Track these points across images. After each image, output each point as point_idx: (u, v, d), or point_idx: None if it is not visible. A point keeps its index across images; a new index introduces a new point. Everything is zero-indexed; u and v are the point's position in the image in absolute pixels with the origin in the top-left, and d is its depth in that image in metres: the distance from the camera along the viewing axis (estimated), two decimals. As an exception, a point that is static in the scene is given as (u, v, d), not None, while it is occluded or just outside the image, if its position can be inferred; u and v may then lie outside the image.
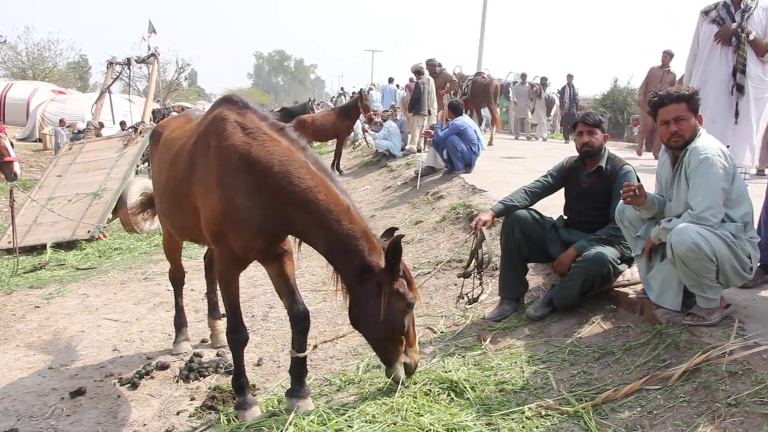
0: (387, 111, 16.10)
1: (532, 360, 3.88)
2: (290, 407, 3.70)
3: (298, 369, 3.83)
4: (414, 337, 3.56)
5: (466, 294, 4.89)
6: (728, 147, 5.16)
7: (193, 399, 4.40)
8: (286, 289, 3.86)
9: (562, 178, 4.74)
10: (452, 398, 3.47)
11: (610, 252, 4.24)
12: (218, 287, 4.30)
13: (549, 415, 3.16)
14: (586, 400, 3.24)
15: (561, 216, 4.83)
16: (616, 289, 4.35)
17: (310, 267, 7.20)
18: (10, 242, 9.36)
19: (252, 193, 3.41)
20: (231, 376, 4.11)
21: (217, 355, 5.07)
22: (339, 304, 3.61)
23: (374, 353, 3.74)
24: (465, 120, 10.35)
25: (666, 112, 3.63)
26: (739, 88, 5.24)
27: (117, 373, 4.90)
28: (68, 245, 9.80)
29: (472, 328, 4.64)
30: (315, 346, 4.87)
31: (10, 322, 6.43)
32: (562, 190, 4.82)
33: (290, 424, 3.27)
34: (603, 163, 4.53)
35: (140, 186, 10.97)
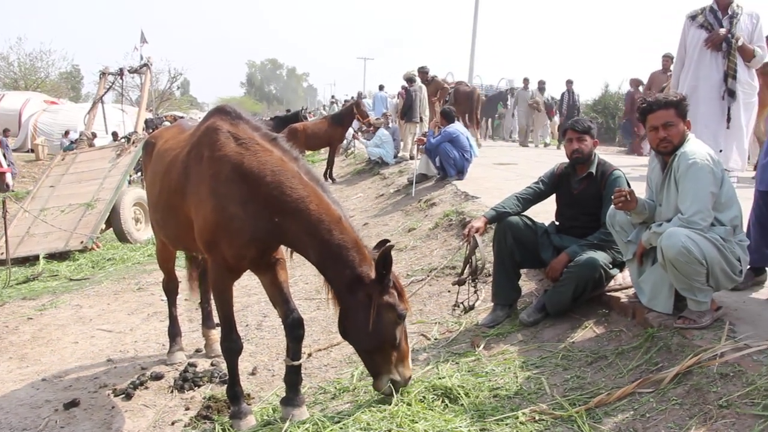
0: (379, 119, 16.15)
1: (525, 365, 3.89)
2: (285, 415, 3.71)
3: (293, 377, 3.83)
4: (406, 352, 3.51)
5: (462, 302, 4.91)
6: (720, 151, 5.23)
7: (188, 409, 4.39)
8: (280, 297, 3.88)
9: (554, 184, 4.78)
10: (447, 405, 3.48)
11: (601, 257, 4.27)
12: (212, 296, 4.30)
13: (542, 420, 3.18)
14: (579, 405, 3.25)
15: (553, 222, 4.87)
16: (608, 293, 4.38)
17: (303, 275, 7.21)
18: (2, 254, 9.34)
19: (245, 202, 3.43)
20: (226, 385, 4.11)
21: (212, 364, 5.07)
22: (333, 313, 3.61)
23: None
24: (457, 127, 10.39)
25: (655, 118, 3.68)
26: (731, 93, 5.30)
27: (111, 384, 4.88)
28: (61, 256, 9.77)
29: (465, 334, 4.66)
30: (309, 355, 4.88)
31: (2, 333, 6.40)
32: (553, 196, 4.86)
33: (285, 432, 3.29)
34: (593, 169, 4.57)
35: (133, 196, 10.96)
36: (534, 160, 13.65)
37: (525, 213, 4.84)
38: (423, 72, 15.26)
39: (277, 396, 4.11)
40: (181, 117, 24.38)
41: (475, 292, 4.86)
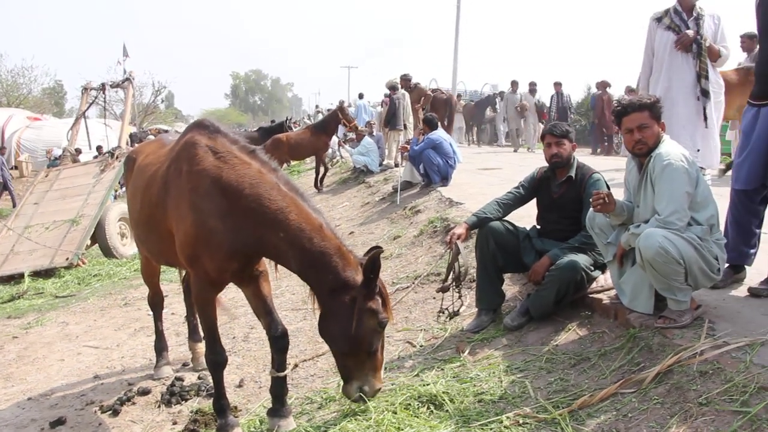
0: (362, 128, 16.18)
1: (509, 369, 3.92)
2: (272, 427, 3.73)
3: (279, 389, 3.85)
4: (380, 364, 3.54)
5: (446, 309, 4.93)
6: (698, 151, 5.29)
7: (175, 423, 4.38)
8: (263, 309, 3.89)
9: (534, 188, 4.82)
10: (432, 411, 3.50)
11: (582, 259, 4.31)
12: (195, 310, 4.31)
13: (527, 423, 3.20)
14: (562, 407, 3.27)
15: (534, 226, 4.91)
16: (590, 295, 4.42)
17: (290, 286, 7.21)
18: (-13, 272, 9.29)
19: (224, 216, 3.44)
20: (213, 398, 4.11)
21: (199, 378, 5.06)
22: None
23: None
24: (440, 134, 10.44)
25: (629, 120, 3.73)
26: (705, 93, 5.37)
27: (98, 401, 4.86)
28: (47, 273, 9.74)
29: (451, 340, 4.68)
30: (296, 365, 4.88)
31: (-13, 353, 6.37)
32: (534, 201, 4.90)
33: (271, 443, 3.31)
34: (573, 173, 4.61)
35: (118, 211, 10.93)
36: (518, 165, 13.71)
37: (507, 218, 4.88)
38: (406, 79, 15.31)
39: (264, 408, 4.12)
40: (166, 131, 24.36)
41: (459, 298, 4.89)
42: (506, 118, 21.76)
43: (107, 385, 5.22)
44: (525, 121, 19.98)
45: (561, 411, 3.21)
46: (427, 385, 3.72)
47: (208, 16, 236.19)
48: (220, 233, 3.45)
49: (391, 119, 13.79)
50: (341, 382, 4.24)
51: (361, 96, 23.55)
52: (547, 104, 19.75)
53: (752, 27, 4.16)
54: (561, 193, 4.66)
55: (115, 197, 12.40)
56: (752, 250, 4.23)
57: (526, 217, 5.12)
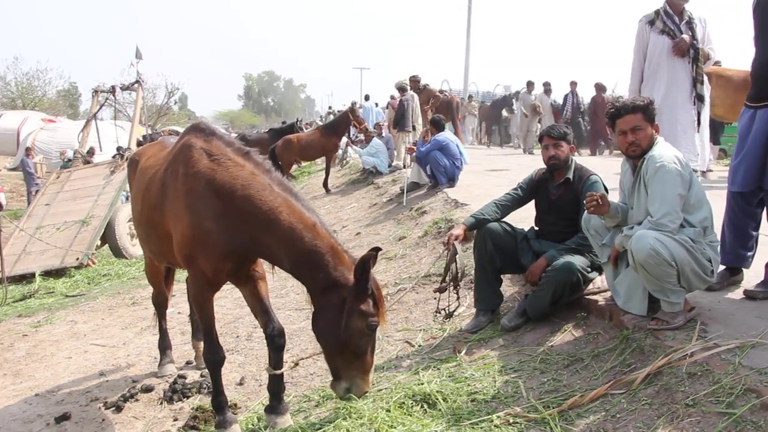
0: (372, 130, 16.24)
1: (504, 369, 3.95)
2: (269, 423, 3.79)
3: (276, 386, 3.91)
4: (369, 366, 3.57)
5: (444, 309, 4.98)
6: (696, 155, 5.30)
7: (176, 419, 4.46)
8: (260, 308, 3.97)
9: (532, 190, 4.85)
10: (425, 410, 3.54)
11: (578, 261, 4.34)
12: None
13: (516, 423, 3.23)
14: (553, 407, 3.30)
15: (532, 227, 4.94)
16: (587, 297, 4.44)
17: (295, 287, 7.24)
18: (0, 272, 9.43)
19: (219, 217, 3.52)
20: (211, 395, 4.18)
21: (201, 375, 5.13)
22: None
23: None
24: (447, 135, 10.48)
25: (623, 122, 3.76)
26: (700, 98, 5.37)
27: (102, 397, 4.95)
28: (57, 273, 9.89)
29: (449, 340, 4.72)
30: (296, 364, 4.96)
31: (-3, 351, 6.49)
32: (533, 202, 4.93)
33: (266, 440, 3.37)
34: (570, 175, 4.64)
35: (128, 212, 11.03)
36: (527, 167, 13.63)
37: (506, 219, 4.92)
38: (415, 81, 15.37)
39: (263, 405, 4.16)
40: (179, 132, 24.48)
41: (457, 299, 4.92)
42: (515, 119, 21.49)
43: (112, 382, 5.30)
44: (540, 123, 19.05)
45: (551, 411, 3.25)
46: (422, 384, 3.76)
47: (221, 19, 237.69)
48: (215, 234, 3.52)
49: (399, 120, 13.84)
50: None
51: (367, 98, 23.53)
52: (561, 104, 19.35)
53: (747, 27, 4.17)
54: (559, 195, 4.69)
55: (127, 198, 12.52)
56: (749, 253, 4.24)
57: (528, 218, 5.15)
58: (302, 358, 5.06)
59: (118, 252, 10.91)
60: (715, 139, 10.32)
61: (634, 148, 3.74)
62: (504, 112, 24.14)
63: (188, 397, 4.78)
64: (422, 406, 3.57)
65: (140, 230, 4.60)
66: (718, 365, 3.07)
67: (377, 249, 3.46)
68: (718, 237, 4.02)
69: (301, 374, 4.84)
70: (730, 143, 11.62)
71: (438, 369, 4.16)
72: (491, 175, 12.32)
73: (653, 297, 3.76)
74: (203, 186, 3.54)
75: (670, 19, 5.22)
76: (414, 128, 13.92)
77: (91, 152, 15.28)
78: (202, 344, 5.27)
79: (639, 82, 5.34)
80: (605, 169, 7.07)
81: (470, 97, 28.53)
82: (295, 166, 20.46)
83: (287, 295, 6.99)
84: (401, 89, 14.07)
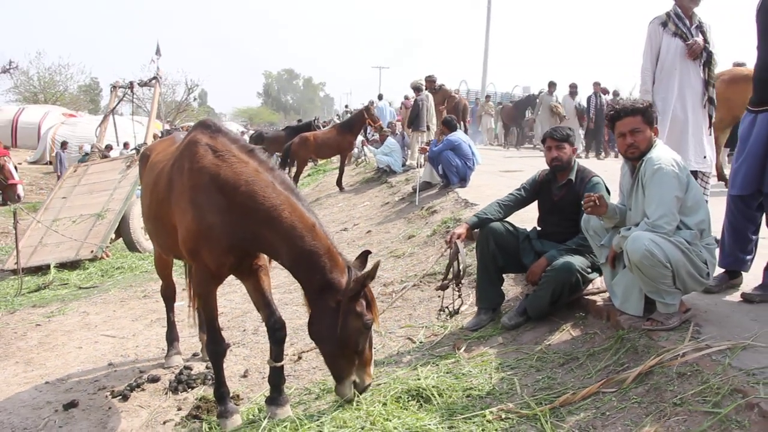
0: (386, 129, 16.30)
1: (501, 367, 4.01)
2: (268, 414, 3.87)
3: (277, 378, 3.99)
4: (369, 359, 3.68)
5: (446, 307, 5.04)
6: (705, 158, 5.31)
7: (180, 409, 4.56)
8: (262, 301, 4.06)
9: (535, 191, 4.91)
10: (421, 405, 3.60)
11: (578, 261, 4.38)
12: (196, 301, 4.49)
13: (509, 418, 3.28)
14: (545, 404, 3.35)
15: (535, 227, 4.98)
16: (586, 297, 4.49)
17: (303, 282, 7.35)
18: (16, 263, 9.61)
19: (222, 212, 3.61)
20: (214, 386, 4.27)
21: (207, 367, 5.22)
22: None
23: None
24: (459, 135, 10.53)
25: (622, 125, 3.80)
26: (711, 101, 5.37)
27: (110, 386, 5.07)
28: (72, 265, 10.05)
29: (449, 338, 4.78)
30: (299, 357, 5.05)
31: (11, 339, 6.64)
32: (536, 203, 4.98)
33: (264, 429, 3.46)
34: (573, 176, 4.69)
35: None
36: (541, 168, 13.66)
37: (509, 219, 4.97)
38: (430, 80, 15.37)
39: (265, 397, 4.25)
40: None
41: (459, 296, 4.98)
42: (538, 121, 20.83)
43: (120, 372, 5.43)
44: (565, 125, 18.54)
45: (543, 408, 3.30)
46: (419, 379, 3.82)
47: (242, 16, 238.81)
48: (218, 228, 3.62)
49: (414, 120, 13.89)
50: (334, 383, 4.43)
51: (380, 97, 23.58)
52: (585, 106, 18.24)
53: (749, 27, 4.19)
54: (561, 196, 4.74)
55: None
56: (748, 256, 4.25)
57: (531, 220, 5.19)
58: (304, 351, 5.14)
59: (131, 246, 11.08)
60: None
61: (632, 150, 3.78)
62: (528, 113, 23.77)
63: (193, 388, 4.89)
64: (418, 401, 3.63)
65: (149, 224, 4.71)
66: (708, 366, 3.11)
67: (369, 253, 3.59)
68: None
69: (303, 367, 4.92)
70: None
71: (436, 365, 4.22)
72: (504, 176, 12.34)
73: (649, 298, 3.79)
74: (208, 181, 3.64)
75: (681, 21, 5.21)
76: (428, 128, 13.96)
77: (108, 148, 15.52)
78: (207, 337, 5.42)
79: (651, 83, 5.32)
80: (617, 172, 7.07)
81: (487, 97, 28.42)
82: (310, 164, 20.63)
83: (296, 291, 7.06)
84: (416, 89, 14.12)
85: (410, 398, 3.64)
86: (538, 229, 4.95)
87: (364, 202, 13.02)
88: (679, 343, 3.41)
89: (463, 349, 4.43)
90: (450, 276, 4.82)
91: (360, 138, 17.38)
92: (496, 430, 3.21)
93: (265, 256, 4.03)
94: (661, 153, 3.72)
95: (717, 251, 4.11)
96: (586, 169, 4.75)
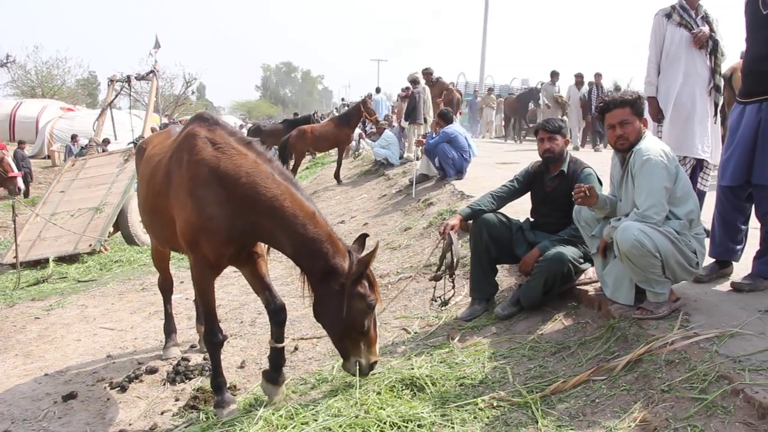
0: (382, 122, 16.33)
1: (494, 356, 4.06)
2: (263, 390, 4.02)
3: (277, 358, 4.09)
4: (374, 339, 3.78)
5: (439, 297, 5.09)
6: (709, 147, 5.31)
7: (177, 400, 4.62)
8: (261, 286, 4.13)
9: (528, 182, 4.95)
10: (415, 393, 3.65)
11: (570, 251, 4.43)
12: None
13: (500, 406, 3.34)
14: (536, 392, 3.41)
15: (528, 218, 5.03)
16: (578, 287, 4.54)
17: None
18: (15, 257, 9.66)
19: (222, 203, 3.66)
20: (210, 377, 4.33)
21: (204, 359, 5.28)
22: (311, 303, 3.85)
23: None
24: (455, 128, 10.55)
25: (612, 116, 3.84)
26: (718, 89, 5.38)
27: (108, 378, 5.12)
28: (70, 258, 10.08)
29: (444, 328, 4.84)
30: (296, 348, 5.10)
31: (10, 332, 6.69)
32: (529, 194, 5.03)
33: (260, 418, 3.50)
34: (565, 167, 4.73)
35: (140, 200, 11.23)
36: (537, 159, 13.70)
37: (502, 210, 5.01)
38: (427, 73, 15.41)
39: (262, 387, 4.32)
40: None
41: (453, 287, 5.03)
42: (539, 112, 20.48)
43: (119, 364, 5.48)
44: (568, 117, 17.51)
45: (534, 396, 3.35)
46: (413, 369, 3.88)
47: (240, 9, 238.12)
48: (218, 220, 3.68)
49: (411, 113, 13.92)
50: (335, 365, 4.49)
51: (378, 90, 23.57)
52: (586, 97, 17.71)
53: (739, 24, 4.22)
54: (554, 187, 4.78)
55: (140, 186, 12.73)
56: (738, 246, 4.30)
57: (526, 211, 5.24)
58: (300, 338, 5.20)
59: (130, 239, 11.11)
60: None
61: (622, 141, 3.83)
62: (531, 105, 23.64)
63: (190, 379, 4.95)
64: (412, 390, 3.68)
65: (145, 216, 4.76)
66: (696, 353, 3.16)
67: (367, 235, 3.65)
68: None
69: (299, 358, 4.98)
70: None
71: (431, 355, 4.28)
72: (501, 168, 12.37)
73: (640, 288, 3.85)
74: (207, 173, 3.69)
75: (687, 12, 5.23)
76: (425, 120, 13.99)
77: (106, 142, 15.55)
78: (204, 328, 5.47)
79: (656, 74, 5.33)
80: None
81: (490, 89, 28.42)
82: (308, 156, 20.66)
83: (292, 283, 7.12)
84: (413, 81, 14.15)
85: (404, 387, 3.69)
86: (531, 220, 5.00)
87: (361, 195, 13.06)
88: (669, 331, 3.47)
89: (457, 339, 4.49)
90: (443, 267, 4.86)
91: (358, 131, 17.38)
92: (487, 417, 3.26)
93: (263, 244, 4.09)
94: (650, 144, 3.76)
95: (707, 241, 4.17)
96: (578, 161, 4.80)
